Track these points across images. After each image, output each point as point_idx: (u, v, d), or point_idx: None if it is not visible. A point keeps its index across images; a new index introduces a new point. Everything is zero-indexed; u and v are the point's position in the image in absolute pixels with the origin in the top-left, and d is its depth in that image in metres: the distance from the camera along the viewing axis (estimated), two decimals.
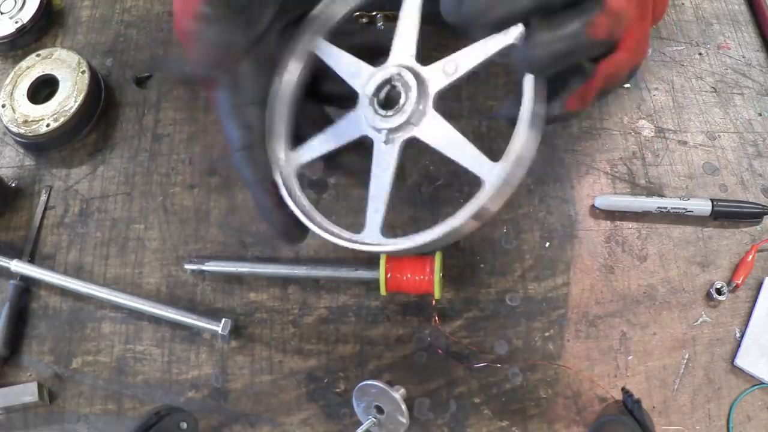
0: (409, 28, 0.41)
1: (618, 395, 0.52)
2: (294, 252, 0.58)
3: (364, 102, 0.40)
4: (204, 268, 0.57)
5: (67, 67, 0.65)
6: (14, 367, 0.56)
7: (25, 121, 0.63)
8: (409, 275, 0.53)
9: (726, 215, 0.60)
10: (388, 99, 0.41)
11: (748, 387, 0.54)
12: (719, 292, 0.57)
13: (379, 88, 0.40)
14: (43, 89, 0.65)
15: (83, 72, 0.64)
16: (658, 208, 0.59)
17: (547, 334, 0.56)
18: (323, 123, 0.45)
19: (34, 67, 0.65)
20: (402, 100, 0.39)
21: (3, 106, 0.63)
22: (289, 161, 0.42)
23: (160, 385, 0.55)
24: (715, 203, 0.59)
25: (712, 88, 0.67)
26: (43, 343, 0.57)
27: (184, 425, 0.49)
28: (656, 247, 0.59)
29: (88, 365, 0.56)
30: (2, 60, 0.70)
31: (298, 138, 0.45)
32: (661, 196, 0.61)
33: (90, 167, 0.64)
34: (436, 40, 0.58)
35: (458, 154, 0.38)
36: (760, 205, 0.60)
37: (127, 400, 0.55)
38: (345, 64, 0.42)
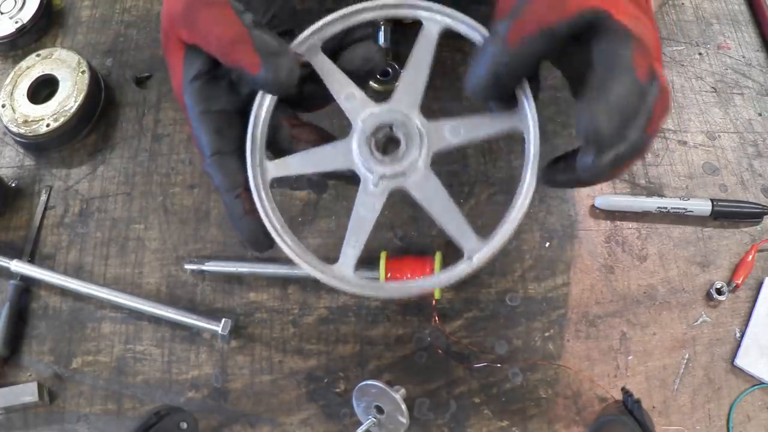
0: (418, 75, 0.40)
1: (618, 395, 0.52)
2: None
3: (359, 138, 0.39)
4: (204, 268, 0.57)
5: (67, 67, 0.65)
6: (14, 367, 0.56)
7: (25, 121, 0.63)
8: (409, 275, 0.53)
9: (726, 215, 0.60)
10: (386, 143, 0.40)
11: (748, 387, 0.54)
12: (719, 292, 0.57)
13: (378, 129, 0.39)
14: (43, 89, 0.65)
15: (83, 72, 0.64)
16: (658, 208, 0.59)
17: (547, 334, 0.56)
18: (308, 133, 0.43)
19: (34, 67, 0.65)
20: (401, 150, 0.38)
21: (3, 106, 0.63)
22: (265, 172, 0.40)
23: (160, 385, 0.55)
24: (715, 203, 0.59)
25: (712, 88, 0.67)
26: (43, 343, 0.57)
27: (184, 425, 0.49)
28: (656, 247, 0.59)
29: (88, 365, 0.56)
30: (2, 60, 0.70)
31: (277, 146, 0.43)
32: (661, 196, 0.61)
33: (90, 167, 0.64)
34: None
35: (446, 220, 0.38)
36: (760, 205, 0.60)
37: (127, 400, 0.55)
38: (339, 84, 0.40)
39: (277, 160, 0.41)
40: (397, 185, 0.38)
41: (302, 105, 0.44)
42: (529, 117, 0.37)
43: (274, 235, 0.39)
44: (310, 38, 0.41)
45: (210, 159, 0.40)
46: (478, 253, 0.37)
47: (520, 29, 0.35)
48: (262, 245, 0.41)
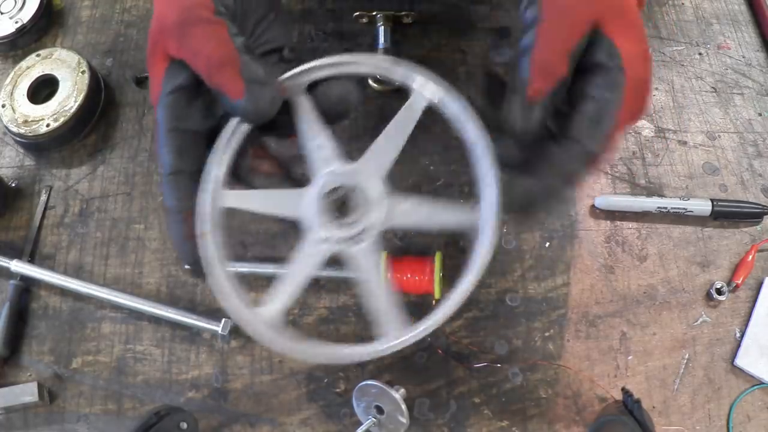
0: (392, 143, 0.38)
1: (618, 395, 0.52)
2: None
3: (315, 191, 0.38)
4: None
5: (67, 67, 0.65)
6: (14, 367, 0.56)
7: (25, 121, 0.63)
8: (409, 275, 0.53)
9: (726, 215, 0.60)
10: (341, 205, 0.39)
11: (748, 387, 0.54)
12: (719, 292, 0.57)
13: (337, 190, 0.38)
14: (43, 89, 0.65)
15: (83, 72, 0.64)
16: (658, 208, 0.59)
17: (547, 334, 0.56)
18: (268, 167, 0.42)
19: (34, 67, 0.65)
20: (353, 218, 0.37)
21: (3, 106, 0.63)
22: (220, 199, 0.39)
23: (160, 385, 0.55)
24: (715, 203, 0.59)
25: (712, 88, 0.67)
26: (43, 343, 0.57)
27: (184, 425, 0.49)
28: (656, 247, 0.59)
29: (88, 365, 0.56)
30: (2, 60, 0.70)
31: (235, 173, 0.41)
32: (661, 196, 0.61)
33: (90, 167, 0.64)
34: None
35: (375, 299, 0.37)
36: (760, 205, 0.60)
37: (127, 400, 0.55)
38: (312, 131, 0.39)
39: (237, 192, 0.39)
40: (339, 249, 0.37)
41: (274, 131, 0.42)
42: (488, 223, 0.36)
43: (205, 265, 0.37)
44: (297, 77, 0.40)
45: (167, 177, 0.39)
46: (391, 341, 0.36)
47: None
48: (200, 273, 0.40)
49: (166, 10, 0.39)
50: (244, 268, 0.57)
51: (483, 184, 0.36)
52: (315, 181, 0.39)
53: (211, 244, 0.38)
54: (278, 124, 0.41)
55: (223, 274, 0.38)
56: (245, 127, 0.40)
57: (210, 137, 0.40)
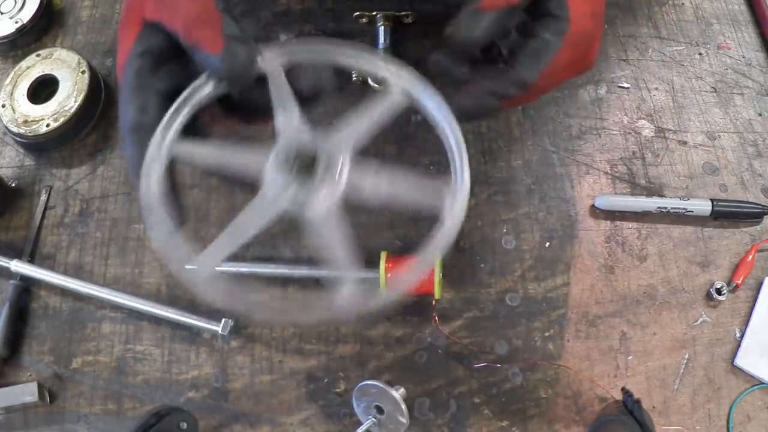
0: (365, 120, 0.39)
1: (618, 395, 0.52)
2: (294, 252, 0.59)
3: (280, 151, 0.37)
4: None
5: (67, 67, 0.65)
6: (14, 367, 0.56)
7: (25, 121, 0.63)
8: None
9: (726, 215, 0.60)
10: (304, 167, 0.38)
11: (748, 387, 0.54)
12: (719, 292, 0.57)
13: (302, 150, 0.37)
14: (43, 89, 0.65)
15: (83, 72, 0.64)
16: (658, 208, 0.59)
17: (547, 334, 0.56)
18: (226, 127, 0.42)
19: (34, 67, 0.65)
20: (316, 180, 0.37)
21: (3, 106, 0.63)
22: (172, 145, 0.38)
23: (160, 385, 0.55)
24: (715, 203, 0.59)
25: (712, 88, 0.67)
26: (43, 343, 0.57)
27: (184, 425, 0.49)
28: (656, 247, 0.59)
29: (88, 365, 0.56)
30: (2, 60, 0.70)
31: (191, 129, 0.40)
32: (661, 196, 0.61)
33: (90, 167, 0.64)
34: None
35: (333, 250, 0.36)
36: (760, 205, 0.60)
37: (127, 400, 0.55)
38: (284, 103, 0.39)
39: (193, 142, 0.38)
40: (294, 211, 0.37)
41: (243, 111, 0.42)
42: (454, 214, 0.36)
43: (146, 207, 0.36)
44: (277, 53, 0.40)
45: (128, 130, 0.39)
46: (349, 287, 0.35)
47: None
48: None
49: None
50: (245, 268, 0.57)
51: (453, 159, 0.39)
52: (279, 141, 0.38)
53: (154, 185, 0.37)
54: (251, 101, 0.41)
55: (161, 219, 0.36)
56: (211, 88, 0.39)
57: (172, 100, 0.40)
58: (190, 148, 0.38)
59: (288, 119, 0.39)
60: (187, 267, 0.35)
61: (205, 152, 0.39)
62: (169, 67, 0.40)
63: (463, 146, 0.38)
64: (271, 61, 0.40)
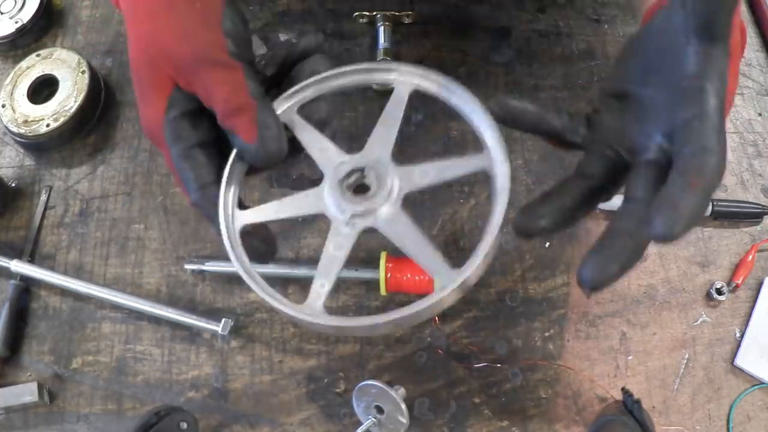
0: (389, 129, 0.41)
1: (618, 395, 0.52)
2: (294, 252, 0.59)
3: (331, 183, 0.40)
4: (204, 268, 0.57)
5: (67, 67, 0.65)
6: (14, 367, 0.56)
7: (25, 121, 0.63)
8: (409, 275, 0.53)
9: (726, 215, 0.60)
10: (357, 186, 0.41)
11: (748, 387, 0.54)
12: (719, 292, 0.57)
13: (349, 174, 0.40)
14: (43, 89, 0.65)
15: (83, 72, 0.64)
16: None
17: (547, 334, 0.56)
18: None
19: (34, 67, 0.65)
20: (372, 190, 0.39)
21: (3, 106, 0.63)
22: (236, 219, 0.41)
23: (160, 385, 0.55)
24: (715, 203, 0.59)
25: None
26: (43, 343, 0.57)
27: (184, 425, 0.49)
28: (656, 247, 0.59)
29: (88, 365, 0.56)
30: (2, 60, 0.70)
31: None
32: None
33: (90, 167, 0.64)
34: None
35: (418, 254, 0.38)
36: (760, 205, 0.60)
37: (127, 400, 0.55)
38: (310, 138, 0.42)
39: (253, 209, 0.41)
40: (368, 224, 0.39)
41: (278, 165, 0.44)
42: (498, 159, 0.38)
43: (244, 276, 0.39)
44: (287, 101, 0.43)
45: (198, 193, 0.41)
46: (451, 283, 0.36)
47: None
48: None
49: (177, 44, 0.40)
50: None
51: (483, 130, 0.39)
52: (326, 175, 0.41)
53: (244, 258, 0.40)
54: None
55: (259, 279, 0.39)
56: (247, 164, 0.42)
57: (218, 144, 0.42)
58: (253, 217, 0.41)
59: (324, 152, 0.41)
60: (295, 315, 0.37)
61: (268, 214, 0.41)
62: (207, 117, 0.41)
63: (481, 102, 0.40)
64: (288, 113, 0.43)
